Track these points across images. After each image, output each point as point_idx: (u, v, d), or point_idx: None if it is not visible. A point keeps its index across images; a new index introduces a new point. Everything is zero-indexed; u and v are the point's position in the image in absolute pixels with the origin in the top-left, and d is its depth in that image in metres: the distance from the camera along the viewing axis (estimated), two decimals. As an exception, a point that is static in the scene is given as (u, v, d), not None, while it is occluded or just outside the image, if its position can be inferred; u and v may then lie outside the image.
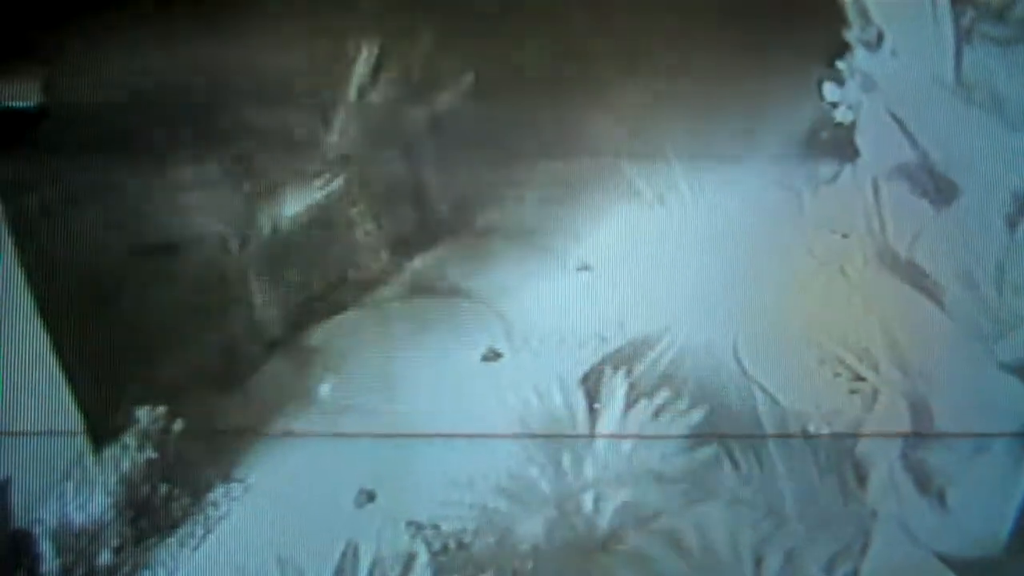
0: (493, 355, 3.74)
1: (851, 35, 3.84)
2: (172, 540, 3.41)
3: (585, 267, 3.86)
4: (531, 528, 3.41)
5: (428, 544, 3.39)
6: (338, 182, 3.82)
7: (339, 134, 3.85)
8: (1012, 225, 3.60)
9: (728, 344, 3.71)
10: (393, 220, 3.91)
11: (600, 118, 3.92)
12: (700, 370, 3.66)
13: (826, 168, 3.84)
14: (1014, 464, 3.42)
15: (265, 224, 3.78)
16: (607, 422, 3.56)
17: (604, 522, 3.43)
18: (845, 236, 3.71)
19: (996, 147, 3.63)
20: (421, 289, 3.89)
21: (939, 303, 3.56)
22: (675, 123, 3.89)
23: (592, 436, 3.54)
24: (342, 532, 3.39)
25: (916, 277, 3.61)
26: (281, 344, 3.79)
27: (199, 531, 3.43)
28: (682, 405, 3.58)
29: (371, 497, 3.50)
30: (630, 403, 3.57)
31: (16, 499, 3.35)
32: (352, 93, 3.86)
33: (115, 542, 3.38)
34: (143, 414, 3.48)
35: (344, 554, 3.36)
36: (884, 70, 3.78)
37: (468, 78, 3.88)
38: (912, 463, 3.46)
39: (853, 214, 3.72)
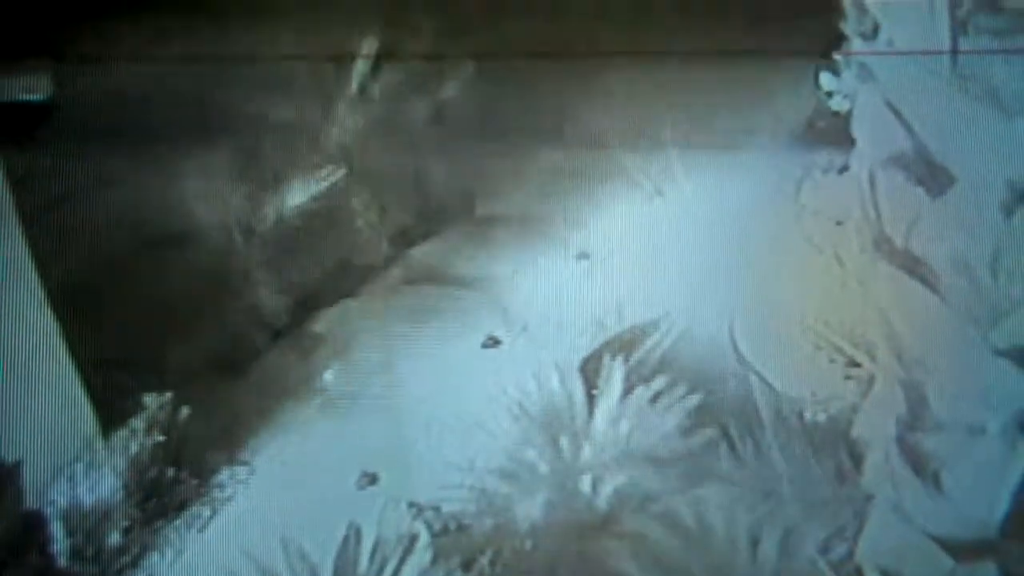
0: (492, 342, 3.80)
1: (848, 26, 3.86)
2: (179, 522, 3.47)
3: (583, 255, 3.91)
4: (530, 510, 3.45)
5: (429, 525, 3.44)
6: (340, 173, 3.88)
7: (341, 125, 3.91)
8: (1008, 213, 3.60)
9: (725, 331, 3.75)
10: (394, 210, 3.97)
11: (599, 108, 3.97)
12: (697, 356, 3.70)
13: (823, 157, 3.87)
14: (1009, 447, 3.42)
15: (269, 214, 3.84)
16: (605, 408, 3.60)
17: (602, 504, 3.47)
18: (839, 223, 3.74)
19: (992, 136, 3.63)
20: (422, 277, 3.95)
21: (935, 290, 3.57)
22: (673, 113, 3.94)
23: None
24: (345, 514, 3.43)
25: (912, 264, 3.61)
26: (285, 332, 3.86)
27: (206, 513, 3.49)
28: (679, 391, 3.61)
29: (373, 480, 3.55)
30: (628, 389, 3.61)
31: (27, 481, 3.41)
32: (354, 85, 3.92)
33: (124, 523, 3.44)
34: (151, 399, 3.55)
35: (347, 535, 3.40)
36: (880, 60, 3.80)
37: (468, 69, 3.94)
38: (907, 446, 3.47)
39: (849, 202, 3.73)
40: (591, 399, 3.61)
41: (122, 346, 3.59)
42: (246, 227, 3.81)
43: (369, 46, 3.90)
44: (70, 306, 3.51)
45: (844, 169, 3.81)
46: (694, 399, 3.60)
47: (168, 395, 3.55)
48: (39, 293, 3.50)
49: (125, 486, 3.46)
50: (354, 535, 3.40)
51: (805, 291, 3.73)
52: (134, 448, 3.49)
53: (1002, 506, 3.37)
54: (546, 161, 3.96)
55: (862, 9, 3.83)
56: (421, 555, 3.39)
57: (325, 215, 3.88)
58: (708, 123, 3.94)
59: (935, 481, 3.42)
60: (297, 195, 3.84)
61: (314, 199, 3.85)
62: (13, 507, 3.36)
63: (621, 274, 3.79)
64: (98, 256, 3.63)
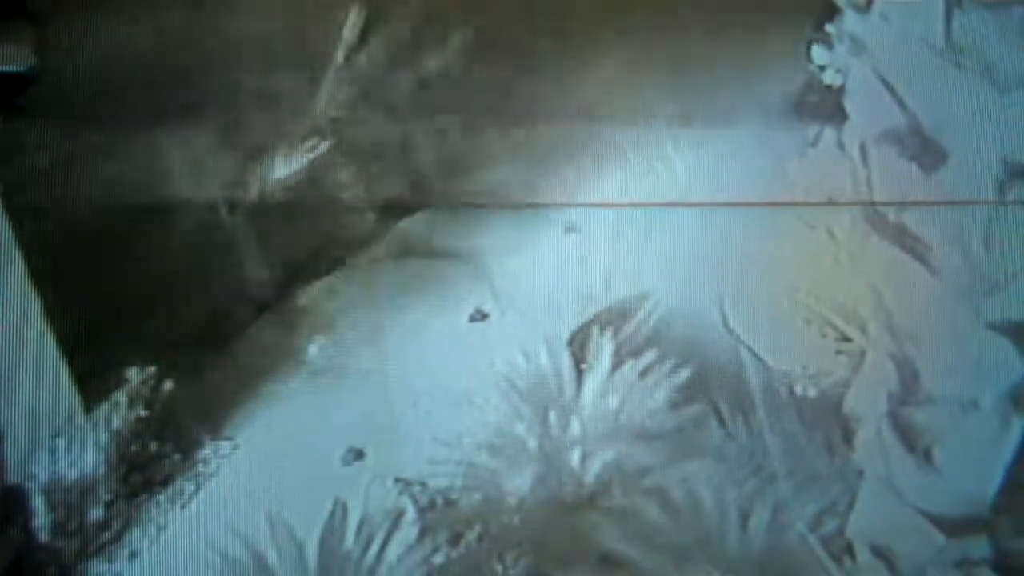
0: (480, 316, 3.78)
1: (841, -3, 3.85)
2: (162, 497, 3.46)
3: (572, 228, 3.89)
4: (518, 484, 3.44)
5: (416, 501, 3.43)
6: (326, 145, 3.86)
7: (327, 98, 3.88)
8: (1001, 188, 3.59)
9: (715, 305, 3.74)
10: (380, 183, 3.94)
11: (589, 82, 3.94)
12: (687, 331, 3.69)
13: (814, 131, 3.85)
14: (1002, 422, 3.42)
15: (253, 187, 3.82)
16: (594, 382, 3.58)
17: (591, 479, 3.45)
18: (832, 199, 3.73)
19: (985, 111, 3.63)
20: (408, 251, 3.93)
21: (927, 264, 3.57)
22: (663, 87, 3.91)
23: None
24: (330, 489, 3.41)
25: (904, 239, 3.61)
26: (270, 305, 3.83)
27: (189, 488, 3.48)
28: (668, 365, 3.60)
29: (359, 455, 3.54)
30: (617, 363, 3.59)
31: (9, 455, 3.39)
32: (340, 57, 3.89)
33: (106, 498, 3.42)
34: (133, 373, 3.53)
35: (333, 511, 3.38)
36: (873, 33, 3.79)
37: (456, 42, 3.91)
38: (899, 421, 3.46)
39: (841, 178, 3.73)
40: (580, 373, 3.59)
41: (105, 319, 3.57)
42: (230, 200, 3.79)
43: (356, 16, 3.87)
44: (51, 279, 3.49)
45: (836, 144, 3.80)
46: (684, 373, 3.58)
47: (151, 369, 3.53)
48: (20, 266, 3.47)
49: (107, 460, 3.44)
50: (340, 511, 3.39)
51: (796, 265, 3.72)
52: (117, 422, 3.47)
53: (994, 481, 3.37)
54: (535, 134, 3.94)
55: (855, -20, 3.82)
56: (408, 531, 3.37)
57: (311, 188, 3.85)
58: (699, 97, 3.92)
59: (927, 456, 3.42)
60: (282, 167, 3.82)
61: (299, 171, 3.83)
62: (-6, 481, 3.35)
63: (610, 248, 3.78)
64: (80, 229, 3.61)
